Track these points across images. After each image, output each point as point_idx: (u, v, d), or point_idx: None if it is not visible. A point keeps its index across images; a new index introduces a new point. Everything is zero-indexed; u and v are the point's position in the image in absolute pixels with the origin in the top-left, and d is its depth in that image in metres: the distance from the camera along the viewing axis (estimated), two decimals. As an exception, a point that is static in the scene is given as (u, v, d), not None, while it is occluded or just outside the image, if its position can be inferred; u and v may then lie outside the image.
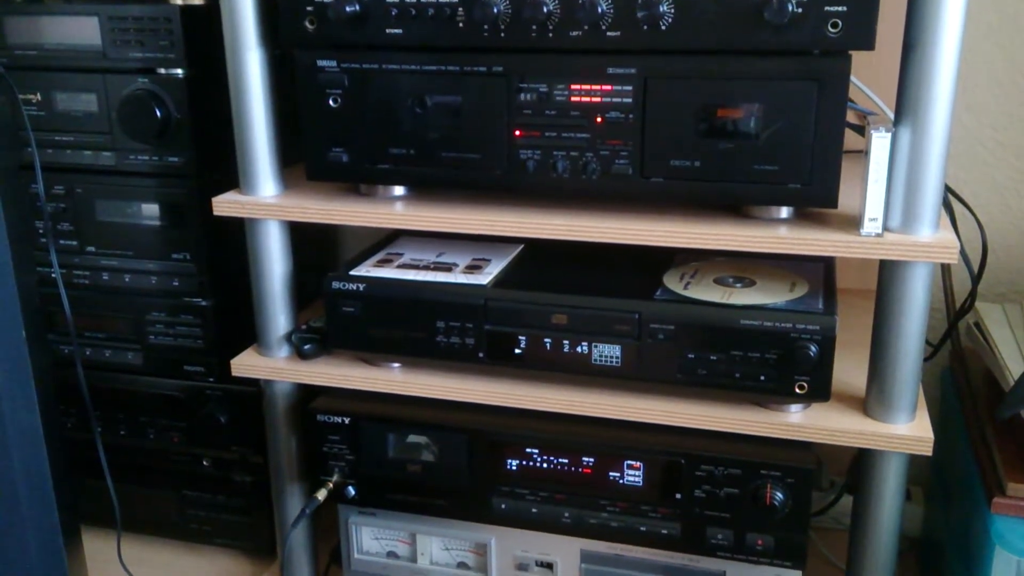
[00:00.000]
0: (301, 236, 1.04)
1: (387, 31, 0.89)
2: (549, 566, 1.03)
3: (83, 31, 1.04)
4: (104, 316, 1.15)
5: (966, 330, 1.14)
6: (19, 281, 0.87)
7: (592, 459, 0.96)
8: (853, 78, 0.83)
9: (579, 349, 0.92)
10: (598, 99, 0.86)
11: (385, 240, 1.10)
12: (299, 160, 0.98)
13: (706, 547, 0.95)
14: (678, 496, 0.94)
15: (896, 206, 0.82)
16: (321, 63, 0.92)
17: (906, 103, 0.80)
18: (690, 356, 0.88)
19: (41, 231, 1.11)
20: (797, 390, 0.86)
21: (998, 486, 0.91)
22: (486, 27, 0.86)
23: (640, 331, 0.89)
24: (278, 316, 1.04)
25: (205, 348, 1.13)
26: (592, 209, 0.91)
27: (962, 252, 0.98)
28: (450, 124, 0.91)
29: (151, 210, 1.09)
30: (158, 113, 1.03)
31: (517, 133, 0.89)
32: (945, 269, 1.17)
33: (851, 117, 1.00)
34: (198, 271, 1.10)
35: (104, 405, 1.18)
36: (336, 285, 0.97)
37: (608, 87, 0.85)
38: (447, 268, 0.99)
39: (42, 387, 0.89)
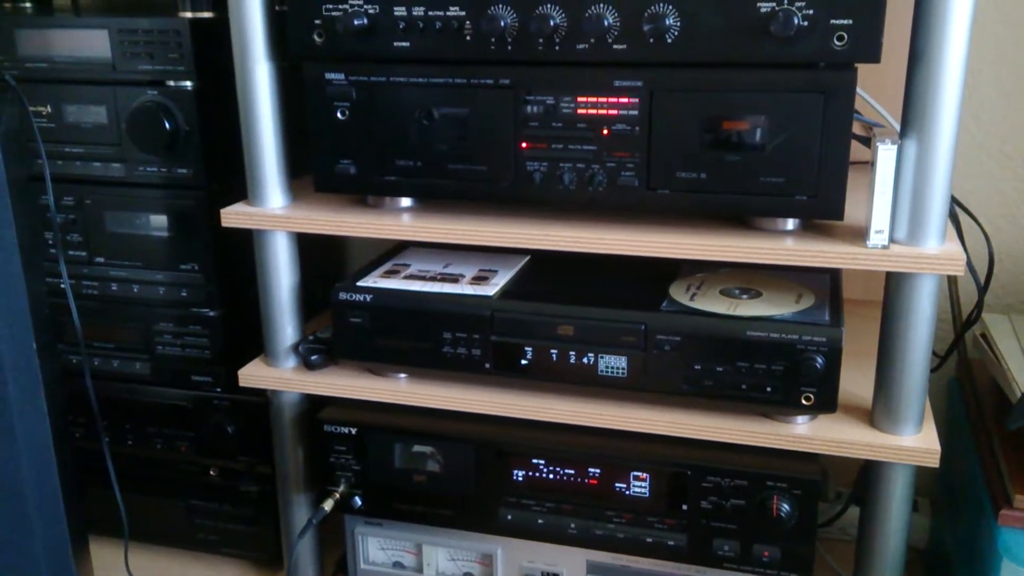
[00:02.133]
0: (309, 247, 1.05)
1: (395, 44, 0.90)
2: (555, 577, 1.03)
3: (93, 44, 1.05)
4: (113, 326, 1.16)
5: (973, 341, 1.13)
6: (29, 291, 0.87)
7: (598, 470, 0.96)
8: (859, 90, 0.83)
9: (585, 360, 0.92)
10: (604, 111, 0.86)
11: (392, 251, 1.11)
12: (307, 171, 0.99)
13: (712, 558, 0.94)
14: (684, 507, 0.94)
15: (902, 218, 0.82)
16: (329, 76, 0.93)
17: (912, 115, 0.80)
18: (696, 367, 0.89)
19: (51, 242, 1.12)
20: (803, 401, 0.86)
21: (1005, 498, 0.90)
22: (493, 40, 0.86)
23: (646, 342, 0.90)
24: (285, 327, 1.04)
25: (213, 358, 1.13)
26: (598, 221, 0.92)
27: (968, 263, 0.98)
28: (457, 136, 0.91)
29: (160, 221, 1.10)
30: (167, 125, 1.04)
31: (524, 145, 0.89)
32: (952, 280, 1.17)
33: (857, 129, 1.01)
34: (206, 282, 1.11)
35: (112, 415, 1.19)
36: (343, 296, 0.98)
37: (614, 99, 0.86)
38: (454, 279, 1.00)
39: (52, 397, 0.90)
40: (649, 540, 0.96)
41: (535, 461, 0.98)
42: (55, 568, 0.91)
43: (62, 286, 1.03)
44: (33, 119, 1.07)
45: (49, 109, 1.09)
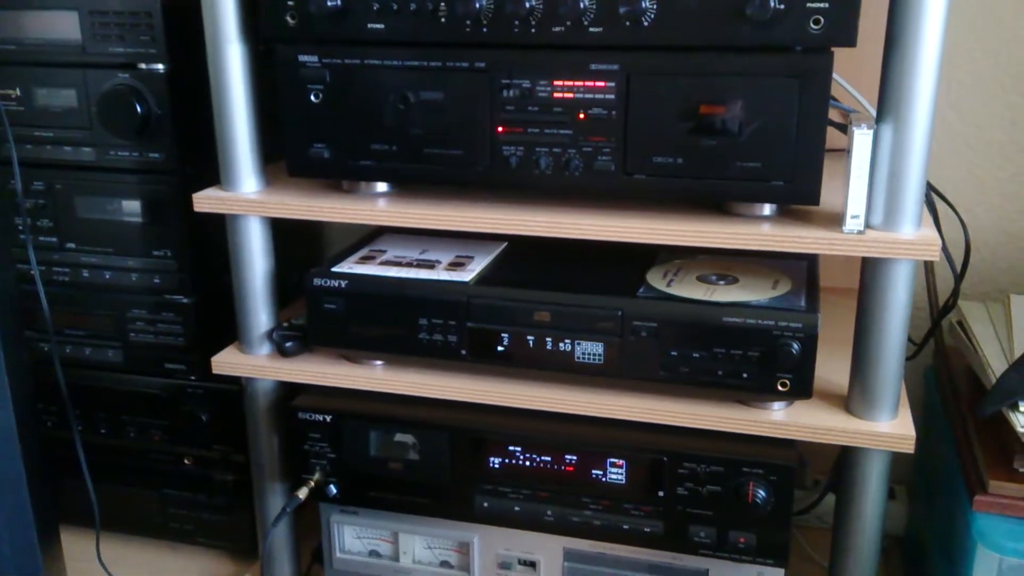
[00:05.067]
0: (285, 233, 1.04)
1: (369, 26, 0.88)
2: (532, 565, 1.03)
3: (63, 25, 1.03)
4: (84, 313, 1.14)
5: (949, 328, 1.14)
6: (-4, 277, 0.86)
7: (575, 457, 0.96)
8: (836, 75, 0.83)
9: (562, 347, 0.91)
10: (581, 95, 0.85)
11: (368, 237, 1.10)
12: (281, 156, 0.98)
13: (689, 545, 0.94)
14: (661, 494, 0.94)
15: (878, 203, 0.82)
16: (302, 58, 0.92)
17: (888, 100, 0.79)
18: (673, 354, 0.88)
19: (20, 227, 1.10)
20: (779, 388, 0.86)
21: (980, 484, 0.91)
22: (468, 22, 0.85)
23: (623, 329, 0.89)
24: (259, 313, 1.03)
25: (186, 346, 1.12)
26: (575, 206, 0.91)
27: (945, 250, 0.98)
28: (432, 120, 0.90)
29: (132, 206, 1.08)
30: (139, 108, 1.02)
31: (500, 129, 0.89)
32: (928, 267, 1.17)
33: (834, 115, 1.00)
34: (179, 268, 1.09)
35: (84, 403, 1.17)
36: (317, 282, 0.97)
37: (591, 83, 0.85)
38: (430, 265, 0.99)
39: (17, 385, 0.88)
40: (626, 527, 0.96)
41: (511, 448, 0.98)
42: (21, 558, 0.90)
43: (32, 272, 1.02)
44: (1, 102, 1.06)
45: (18, 92, 1.08)
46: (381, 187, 0.98)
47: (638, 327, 0.89)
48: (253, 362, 1.03)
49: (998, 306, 1.12)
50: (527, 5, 0.82)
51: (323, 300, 0.97)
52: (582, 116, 0.86)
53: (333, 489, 1.03)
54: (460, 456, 0.99)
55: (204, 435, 1.15)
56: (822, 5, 0.77)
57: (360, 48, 0.90)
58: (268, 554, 1.11)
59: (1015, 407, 0.90)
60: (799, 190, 0.83)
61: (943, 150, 1.21)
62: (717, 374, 0.88)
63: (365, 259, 1.01)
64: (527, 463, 0.98)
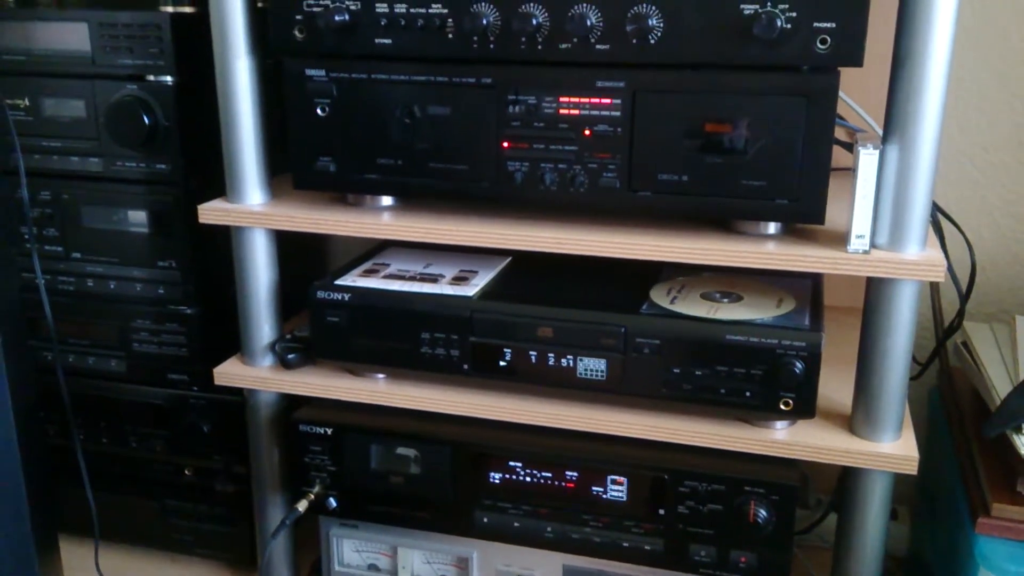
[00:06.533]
0: (290, 246, 1.04)
1: (376, 41, 0.89)
2: (532, 581, 1.02)
3: (72, 37, 1.04)
4: (88, 323, 1.14)
5: (954, 349, 1.13)
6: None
7: (576, 473, 0.96)
8: (842, 95, 0.83)
9: (564, 362, 0.91)
10: (587, 112, 0.86)
11: (373, 250, 1.10)
12: (287, 169, 0.98)
13: (689, 564, 0.94)
14: (661, 512, 0.93)
15: (884, 223, 0.82)
16: (310, 72, 0.92)
17: (894, 120, 0.79)
18: (675, 371, 0.88)
19: (26, 236, 1.10)
20: (782, 407, 0.86)
21: (983, 506, 0.90)
22: (475, 38, 0.86)
23: (626, 345, 0.89)
24: (263, 325, 1.03)
25: (189, 356, 1.12)
26: (579, 222, 0.91)
27: (950, 271, 0.98)
28: (438, 135, 0.90)
29: (138, 217, 1.09)
30: (146, 120, 1.03)
31: (505, 145, 0.89)
32: (934, 288, 1.17)
33: (841, 134, 1.00)
34: (184, 279, 1.10)
35: (87, 412, 1.17)
36: (321, 295, 0.97)
37: (597, 100, 0.85)
38: (433, 279, 0.99)
39: (19, 394, 0.88)
40: (626, 544, 0.95)
41: (512, 464, 0.97)
42: (18, 568, 0.90)
43: (37, 281, 1.02)
44: (9, 112, 1.06)
45: (27, 102, 1.08)
46: (386, 201, 0.98)
47: (641, 344, 0.88)
48: (255, 374, 1.03)
49: (1004, 327, 1.12)
50: (534, 22, 0.83)
51: (326, 313, 0.97)
52: (588, 133, 0.86)
53: (333, 502, 1.03)
54: (461, 471, 0.99)
55: (205, 446, 1.15)
56: (829, 25, 0.77)
57: (367, 63, 0.90)
58: (267, 566, 1.11)
59: (1019, 430, 0.90)
60: (804, 209, 0.83)
61: (949, 170, 1.21)
62: (720, 392, 0.87)
63: (369, 272, 1.01)
64: (528, 479, 0.97)
